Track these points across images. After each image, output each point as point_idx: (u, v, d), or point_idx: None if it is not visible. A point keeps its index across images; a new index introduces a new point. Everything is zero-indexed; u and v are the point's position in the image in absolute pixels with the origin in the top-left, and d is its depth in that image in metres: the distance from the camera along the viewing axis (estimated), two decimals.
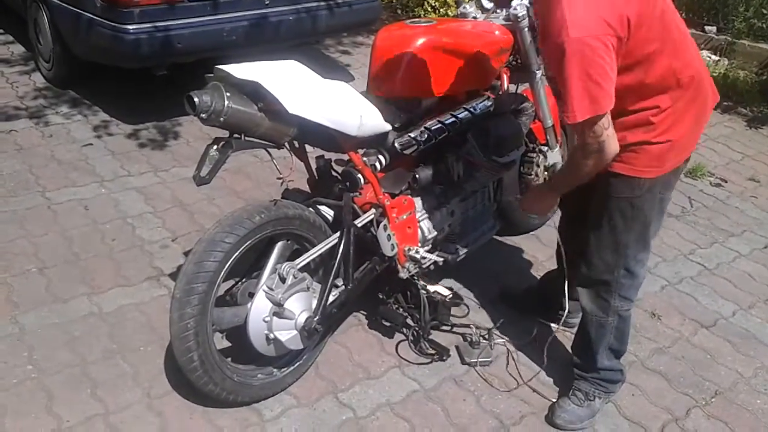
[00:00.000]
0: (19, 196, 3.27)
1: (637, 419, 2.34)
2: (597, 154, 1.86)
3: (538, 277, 2.95)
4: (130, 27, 3.63)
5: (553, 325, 2.68)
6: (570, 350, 2.43)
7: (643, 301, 2.93)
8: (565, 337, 2.62)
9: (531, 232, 3.30)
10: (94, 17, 3.73)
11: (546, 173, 3.08)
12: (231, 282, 2.24)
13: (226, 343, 2.41)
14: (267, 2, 4.04)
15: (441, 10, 5.96)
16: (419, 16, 5.70)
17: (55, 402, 2.20)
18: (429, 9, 6.03)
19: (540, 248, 3.20)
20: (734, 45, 5.60)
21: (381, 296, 2.57)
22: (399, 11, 6.34)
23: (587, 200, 2.13)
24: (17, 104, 4.20)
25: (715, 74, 5.19)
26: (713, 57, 5.64)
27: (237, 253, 2.03)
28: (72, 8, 3.89)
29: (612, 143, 1.85)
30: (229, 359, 2.24)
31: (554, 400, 2.35)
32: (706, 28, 5.92)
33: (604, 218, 2.07)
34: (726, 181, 4.06)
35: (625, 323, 2.23)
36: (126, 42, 3.65)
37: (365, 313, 2.69)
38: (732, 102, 5.05)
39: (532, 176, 3.03)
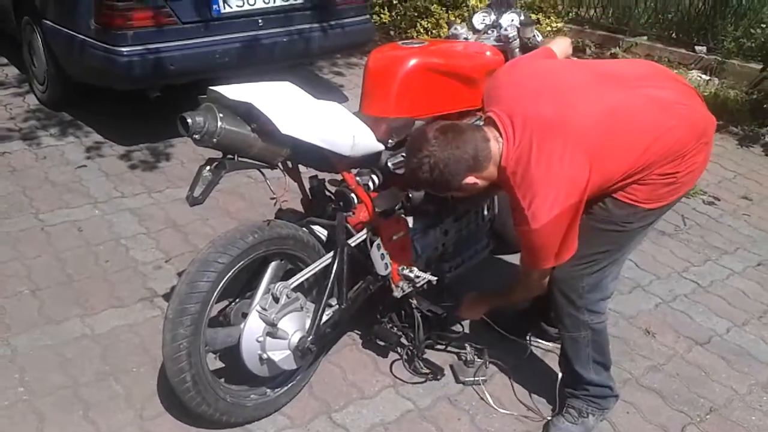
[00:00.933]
0: (13, 218, 3.27)
1: None
2: (537, 290, 2.19)
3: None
4: (123, 49, 3.65)
5: (546, 343, 2.69)
6: None
7: (638, 319, 2.94)
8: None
9: None
10: (88, 39, 3.75)
11: None
12: (224, 302, 2.24)
13: (219, 364, 2.39)
14: (260, 24, 4.07)
15: (433, 31, 6.02)
16: (412, 38, 5.75)
17: (46, 424, 2.18)
18: (421, 30, 6.08)
19: None
20: (724, 65, 5.66)
21: (375, 316, 2.56)
22: (392, 33, 6.40)
23: None
24: (10, 126, 4.21)
25: (705, 94, 5.24)
26: (703, 77, 5.70)
27: (230, 274, 2.03)
28: (66, 30, 3.91)
29: (545, 282, 2.14)
30: (222, 380, 2.23)
31: (549, 419, 2.34)
32: (696, 48, 5.99)
33: (587, 238, 2.03)
34: (719, 200, 4.08)
35: (600, 335, 2.22)
36: (119, 64, 3.67)
37: (359, 332, 2.68)
38: (723, 121, 5.08)
39: None
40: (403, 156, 2.32)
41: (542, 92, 1.95)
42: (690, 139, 1.95)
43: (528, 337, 2.70)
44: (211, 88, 1.95)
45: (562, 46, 2.35)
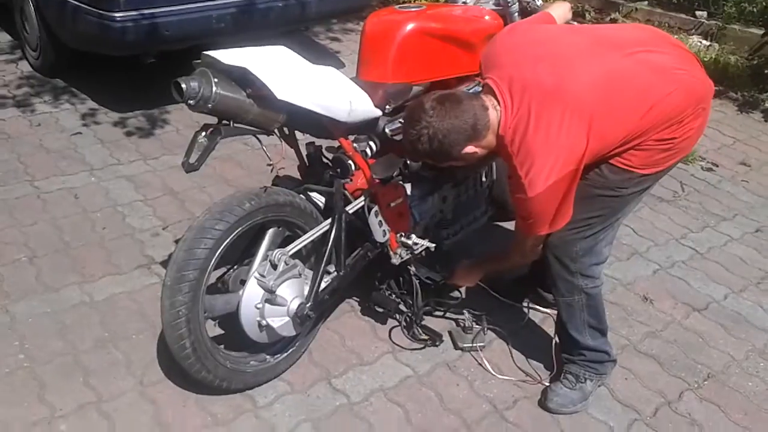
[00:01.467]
0: (8, 185, 3.25)
1: (629, 402, 2.35)
2: (532, 255, 2.19)
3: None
4: (117, 14, 3.58)
5: (543, 309, 2.70)
6: None
7: (635, 285, 2.94)
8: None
9: None
10: (81, 5, 3.68)
11: None
12: (222, 270, 2.23)
13: (218, 331, 2.40)
14: None
15: None
16: (409, 1, 5.66)
17: (47, 391, 2.19)
18: None
19: None
20: (725, 30, 5.59)
21: (374, 282, 2.56)
22: None
23: None
24: (4, 93, 4.16)
25: (705, 59, 5.19)
26: (704, 42, 5.64)
27: (228, 240, 2.02)
28: None
29: (539, 249, 2.16)
30: (222, 346, 2.23)
31: (547, 384, 2.36)
32: (697, 13, 5.91)
33: (581, 203, 2.01)
34: (717, 166, 4.07)
35: (594, 300, 2.23)
36: (113, 29, 3.61)
37: (358, 299, 2.69)
38: (723, 87, 5.05)
39: None
40: (400, 122, 2.29)
41: (541, 59, 1.93)
42: (688, 105, 1.94)
43: (526, 303, 2.71)
44: (205, 53, 1.91)
45: (561, 10, 2.32)
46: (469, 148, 1.93)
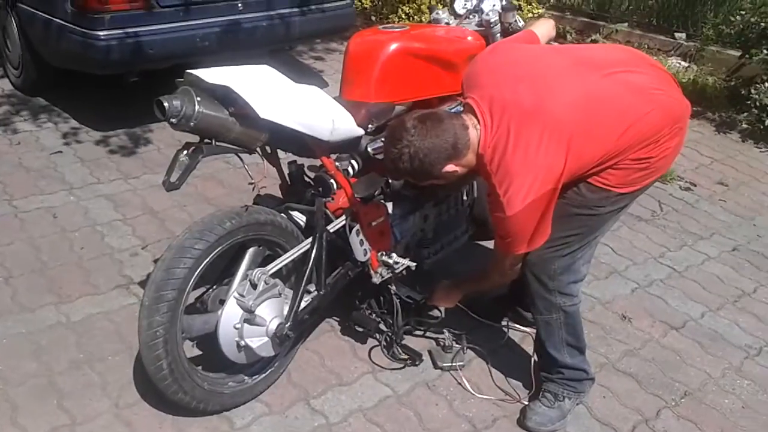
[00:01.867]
0: None
1: (607, 420, 2.36)
2: (511, 275, 2.21)
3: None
4: (101, 33, 3.59)
5: (523, 328, 2.71)
6: None
7: (614, 304, 2.96)
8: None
9: None
10: (65, 23, 3.68)
11: None
12: (202, 289, 2.22)
13: (196, 351, 2.37)
14: (240, 8, 4.02)
15: (415, 17, 5.99)
16: (393, 23, 5.72)
17: (20, 413, 2.15)
18: (403, 16, 6.04)
19: None
20: (703, 51, 5.69)
21: (354, 302, 2.56)
22: (373, 18, 6.36)
23: None
24: None
25: (684, 80, 5.28)
26: (682, 63, 5.74)
27: (207, 260, 2.01)
28: (42, 14, 3.83)
29: (518, 268, 2.17)
30: (200, 367, 2.22)
31: (526, 403, 2.36)
32: (676, 34, 6.02)
33: (559, 221, 2.03)
34: (695, 185, 4.12)
35: (572, 318, 2.24)
36: (97, 48, 3.61)
37: (338, 318, 2.68)
38: (701, 107, 5.13)
39: None
40: (383, 141, 2.31)
41: (521, 79, 1.95)
42: (665, 125, 1.97)
43: (505, 322, 2.71)
44: (188, 71, 1.92)
45: (544, 28, 2.35)
46: (450, 167, 1.95)
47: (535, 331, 2.37)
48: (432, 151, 1.90)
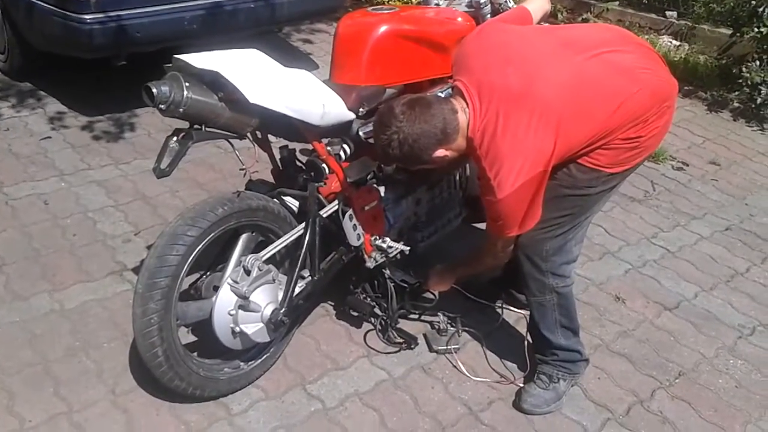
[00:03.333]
0: None
1: (602, 402, 2.37)
2: (503, 256, 2.20)
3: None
4: (87, 16, 3.53)
5: (517, 310, 2.72)
6: None
7: (607, 285, 2.97)
8: None
9: None
10: (50, 7, 3.62)
11: None
12: (195, 276, 2.21)
13: (191, 338, 2.37)
14: None
15: None
16: (382, 4, 5.66)
17: (16, 402, 2.15)
18: None
19: None
20: (694, 30, 5.68)
21: (349, 286, 2.56)
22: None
23: None
24: None
25: (675, 59, 5.27)
26: (674, 42, 5.72)
27: (200, 247, 2.00)
28: None
29: (510, 250, 2.16)
30: (195, 354, 2.21)
31: (521, 385, 2.37)
32: (667, 13, 6.00)
33: (550, 202, 2.04)
34: (687, 165, 4.13)
35: (566, 299, 2.25)
36: (83, 32, 3.56)
37: (333, 303, 2.68)
38: (692, 86, 5.13)
39: None
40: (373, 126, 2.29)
41: (509, 62, 1.95)
42: (653, 104, 1.97)
43: (500, 304, 2.72)
44: (176, 56, 1.90)
45: (537, 4, 2.33)
46: (440, 152, 1.95)
47: (528, 312, 2.38)
48: (421, 137, 1.90)
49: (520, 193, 1.89)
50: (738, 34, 5.10)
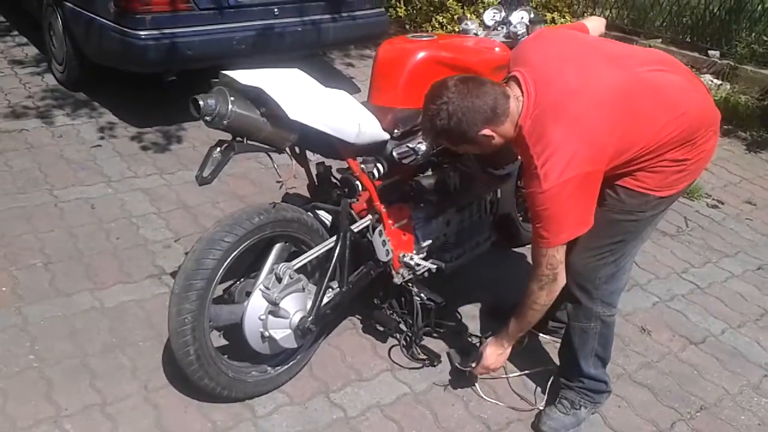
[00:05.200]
0: (28, 193, 3.36)
1: (621, 430, 2.38)
2: (550, 284, 2.01)
3: None
4: (141, 33, 3.73)
5: (542, 335, 2.74)
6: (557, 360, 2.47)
7: (634, 316, 2.98)
8: (554, 347, 2.68)
9: (527, 245, 3.35)
10: (107, 22, 3.83)
11: None
12: (229, 283, 2.31)
13: (222, 342, 2.46)
14: (276, 13, 4.13)
15: (449, 26, 6.05)
16: (426, 32, 5.79)
17: (54, 390, 2.26)
18: (437, 25, 6.12)
19: None
20: (737, 70, 5.66)
21: (376, 301, 2.63)
22: (407, 26, 6.44)
23: None
24: (28, 104, 4.30)
25: (716, 98, 5.25)
26: (715, 81, 5.71)
27: (236, 252, 2.10)
28: (86, 13, 3.99)
29: (561, 276, 2.01)
30: (225, 356, 2.30)
31: (541, 408, 2.40)
32: (710, 52, 5.99)
33: (602, 229, 2.05)
34: (722, 203, 4.11)
35: (608, 329, 2.27)
36: (137, 47, 3.75)
37: (360, 317, 2.75)
38: (732, 126, 5.11)
39: None
40: (408, 146, 2.38)
41: (568, 60, 1.96)
42: (701, 125, 1.99)
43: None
44: (222, 72, 2.01)
45: (596, 23, 2.38)
46: (487, 131, 1.94)
47: (553, 338, 2.39)
48: (470, 111, 1.90)
49: (567, 187, 1.84)
50: None
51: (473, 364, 2.32)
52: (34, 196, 3.34)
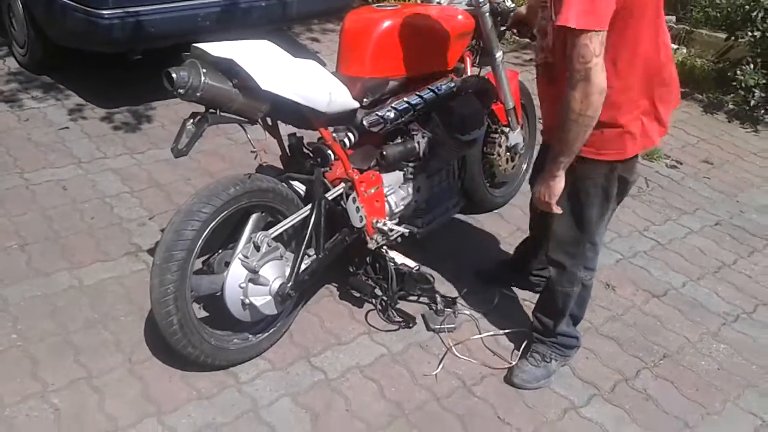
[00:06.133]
0: None
1: (590, 379, 2.50)
2: (583, 83, 1.80)
3: (501, 252, 3.14)
4: (104, 12, 3.68)
5: (514, 290, 2.86)
6: (531, 316, 2.55)
7: (598, 274, 3.06)
8: (524, 304, 2.79)
9: (494, 210, 3.45)
10: (69, 2, 3.77)
11: (508, 153, 3.24)
12: (207, 255, 2.35)
13: (204, 313, 2.52)
14: None
15: None
16: (387, 1, 5.79)
17: (39, 367, 2.30)
18: None
19: (503, 225, 3.36)
20: (692, 34, 5.81)
21: (351, 268, 2.70)
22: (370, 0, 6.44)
23: None
24: None
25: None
26: (672, 45, 5.83)
27: (213, 223, 2.15)
28: None
29: (599, 75, 1.79)
30: (207, 326, 2.35)
31: (513, 363, 2.51)
32: (666, 17, 6.11)
33: (571, 198, 2.15)
34: (681, 163, 4.25)
35: (587, 291, 2.40)
36: (101, 27, 3.70)
37: (336, 284, 2.82)
38: (689, 89, 5.25)
39: (494, 156, 3.18)
40: (377, 114, 2.44)
41: None
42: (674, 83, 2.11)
43: (497, 288, 2.86)
44: (194, 45, 2.05)
45: None
46: None
47: (524, 294, 2.47)
48: None
49: None
50: (733, 38, 5.24)
51: (541, 190, 2.11)
52: (4, 179, 3.32)
